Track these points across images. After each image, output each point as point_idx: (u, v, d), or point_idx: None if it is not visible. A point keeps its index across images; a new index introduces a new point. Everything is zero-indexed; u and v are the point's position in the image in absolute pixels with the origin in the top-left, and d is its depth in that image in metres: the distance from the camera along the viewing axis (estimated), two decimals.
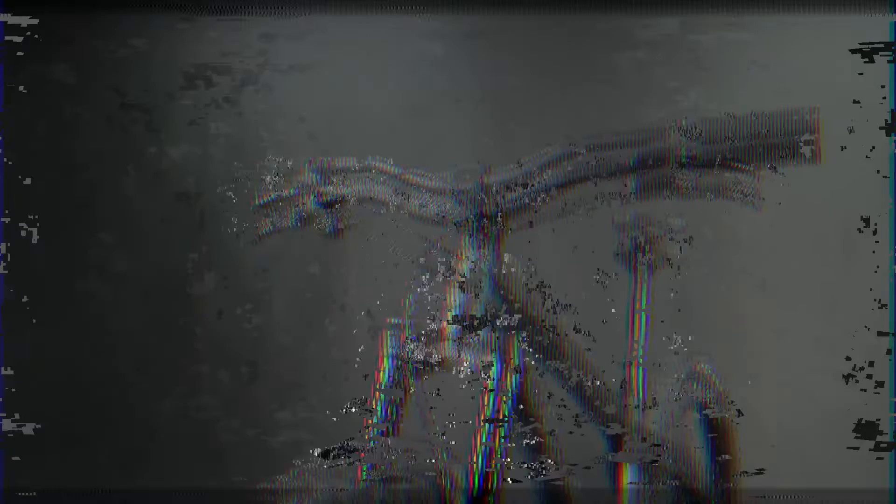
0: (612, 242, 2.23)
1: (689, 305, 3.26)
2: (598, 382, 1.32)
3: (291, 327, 3.38)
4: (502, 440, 1.08)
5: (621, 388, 1.77)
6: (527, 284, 1.20)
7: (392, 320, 1.02)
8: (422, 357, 1.05)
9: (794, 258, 3.42)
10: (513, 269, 1.17)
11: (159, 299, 3.49)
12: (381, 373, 1.05)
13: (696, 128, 0.91)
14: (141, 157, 3.55)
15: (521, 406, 1.08)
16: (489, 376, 1.02)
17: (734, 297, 3.40)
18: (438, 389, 0.98)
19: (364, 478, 0.88)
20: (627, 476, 1.54)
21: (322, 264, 3.36)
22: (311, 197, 1.23)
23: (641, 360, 1.75)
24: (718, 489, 2.02)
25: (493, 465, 0.96)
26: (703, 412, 2.02)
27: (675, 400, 1.86)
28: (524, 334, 1.16)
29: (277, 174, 1.38)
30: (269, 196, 1.30)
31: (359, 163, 1.27)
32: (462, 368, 1.04)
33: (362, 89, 3.48)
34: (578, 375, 1.29)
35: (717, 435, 2.12)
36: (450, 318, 1.07)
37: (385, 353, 1.04)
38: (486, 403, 1.01)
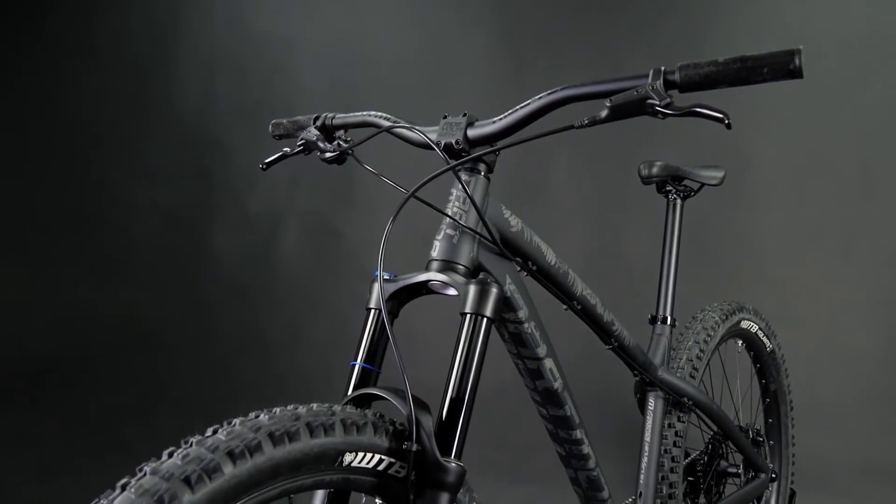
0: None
1: (713, 241, 3.27)
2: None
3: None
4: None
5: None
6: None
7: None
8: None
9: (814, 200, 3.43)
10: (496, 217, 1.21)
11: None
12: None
13: (673, 73, 0.93)
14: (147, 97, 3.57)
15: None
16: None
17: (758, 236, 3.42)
18: None
19: None
20: None
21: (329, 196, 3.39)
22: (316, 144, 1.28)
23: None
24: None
25: None
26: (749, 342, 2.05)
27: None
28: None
29: (285, 132, 1.43)
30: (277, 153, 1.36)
31: (357, 117, 1.32)
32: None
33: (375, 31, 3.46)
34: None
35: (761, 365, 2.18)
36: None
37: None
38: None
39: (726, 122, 0.90)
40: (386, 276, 1.15)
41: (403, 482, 1.00)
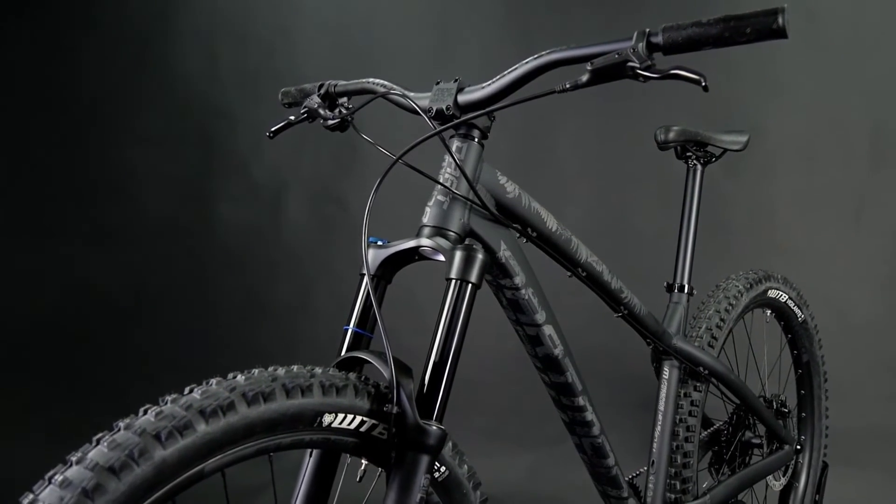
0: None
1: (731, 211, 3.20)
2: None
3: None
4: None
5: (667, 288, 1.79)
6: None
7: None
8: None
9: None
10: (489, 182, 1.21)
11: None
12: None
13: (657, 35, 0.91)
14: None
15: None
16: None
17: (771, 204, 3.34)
18: None
19: None
20: None
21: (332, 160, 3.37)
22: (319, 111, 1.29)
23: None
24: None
25: None
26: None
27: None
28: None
29: (292, 101, 1.45)
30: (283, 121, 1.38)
31: (357, 85, 1.33)
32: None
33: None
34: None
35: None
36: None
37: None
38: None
39: (703, 84, 0.88)
40: (379, 243, 1.16)
41: (386, 444, 1.02)
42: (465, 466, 1.16)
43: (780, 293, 2.06)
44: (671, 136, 1.74)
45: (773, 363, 2.21)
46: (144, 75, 3.73)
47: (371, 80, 1.30)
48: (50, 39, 3.72)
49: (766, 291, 2.00)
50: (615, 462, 1.49)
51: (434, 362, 1.04)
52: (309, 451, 1.07)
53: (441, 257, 1.11)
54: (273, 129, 1.38)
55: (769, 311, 2.12)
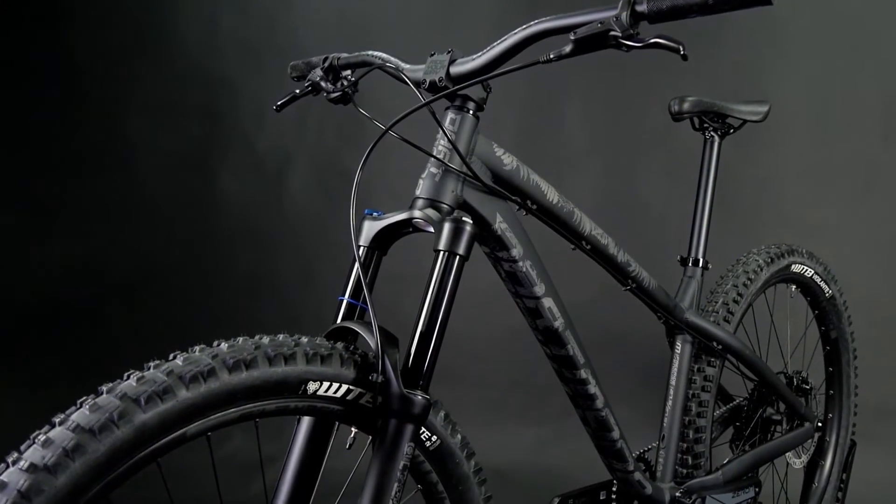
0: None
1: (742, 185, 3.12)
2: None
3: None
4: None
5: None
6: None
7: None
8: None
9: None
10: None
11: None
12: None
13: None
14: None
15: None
16: None
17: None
18: None
19: None
20: None
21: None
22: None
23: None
24: None
25: None
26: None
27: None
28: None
29: (300, 74, 1.46)
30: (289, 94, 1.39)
31: (358, 57, 1.34)
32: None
33: None
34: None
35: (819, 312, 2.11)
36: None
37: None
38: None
39: (682, 52, 0.87)
40: (374, 214, 1.18)
41: (374, 412, 1.04)
42: (459, 436, 1.17)
43: (805, 268, 2.02)
44: (686, 106, 1.70)
45: (799, 339, 2.17)
46: (144, 46, 3.65)
47: (371, 52, 1.30)
48: (47, 7, 3.65)
49: (789, 266, 1.96)
50: (620, 436, 1.49)
51: (420, 333, 1.05)
52: (298, 418, 1.09)
53: (431, 229, 1.11)
54: (279, 102, 1.40)
55: (794, 287, 2.07)
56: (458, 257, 1.07)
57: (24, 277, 3.58)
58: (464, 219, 1.08)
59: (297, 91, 1.39)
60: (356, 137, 3.16)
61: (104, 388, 0.85)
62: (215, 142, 3.63)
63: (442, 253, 1.07)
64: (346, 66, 1.34)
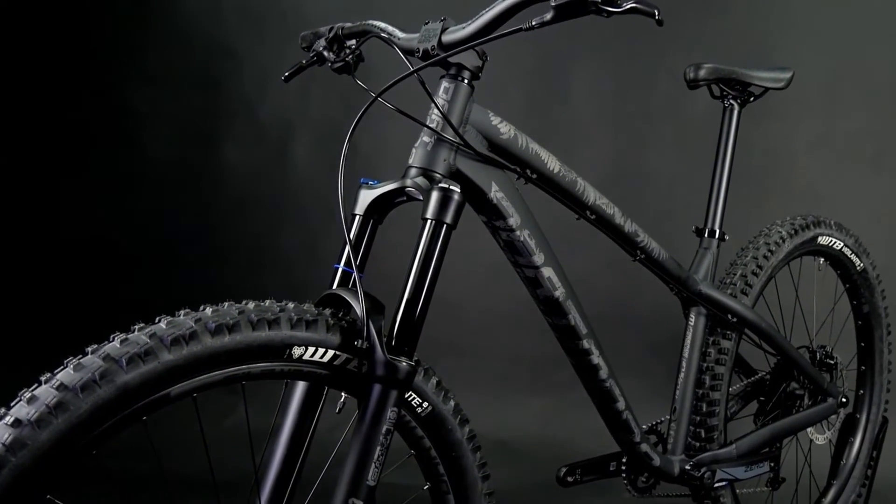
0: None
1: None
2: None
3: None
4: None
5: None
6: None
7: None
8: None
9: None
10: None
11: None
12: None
13: None
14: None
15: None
16: None
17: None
18: None
19: None
20: None
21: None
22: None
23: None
24: None
25: None
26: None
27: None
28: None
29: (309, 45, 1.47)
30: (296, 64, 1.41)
31: (359, 27, 1.34)
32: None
33: None
34: None
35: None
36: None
37: None
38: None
39: (657, 17, 0.85)
40: (370, 183, 1.19)
41: (360, 377, 1.06)
42: (451, 403, 1.19)
43: (834, 240, 1.96)
44: (702, 73, 1.65)
45: (828, 314, 2.12)
46: (146, 14, 3.59)
47: (373, 22, 1.31)
48: None
49: (815, 238, 1.90)
50: (626, 407, 1.48)
51: (407, 301, 1.06)
52: (289, 383, 1.11)
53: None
54: (287, 73, 1.42)
55: (822, 260, 2.02)
56: (445, 226, 1.08)
57: (24, 245, 3.55)
58: (451, 187, 1.08)
59: (304, 61, 1.40)
60: (360, 107, 3.08)
61: (89, 350, 0.88)
62: (218, 111, 3.57)
63: (429, 221, 1.08)
64: (349, 36, 1.35)
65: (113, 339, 0.90)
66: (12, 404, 0.84)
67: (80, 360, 0.87)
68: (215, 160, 3.56)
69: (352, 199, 1.20)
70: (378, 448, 1.01)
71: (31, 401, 0.83)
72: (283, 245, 3.49)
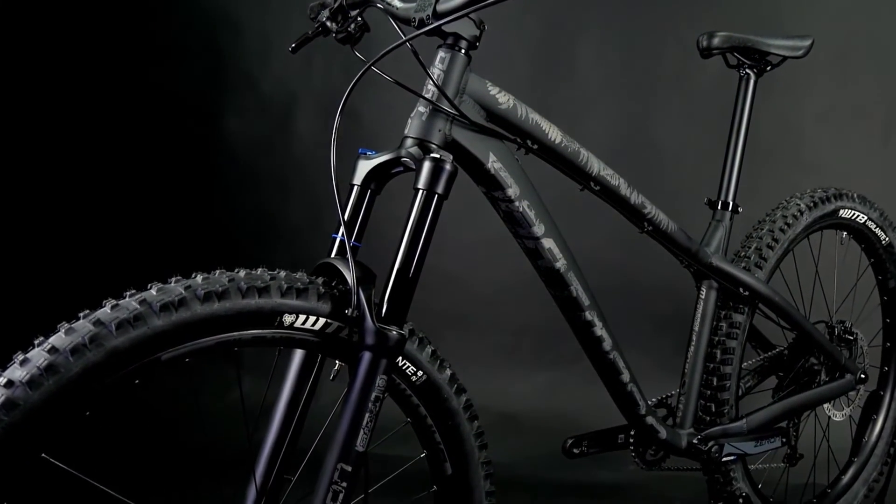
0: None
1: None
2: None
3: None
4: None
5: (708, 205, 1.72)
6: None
7: None
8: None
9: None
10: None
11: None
12: None
13: None
14: None
15: None
16: None
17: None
18: None
19: None
20: None
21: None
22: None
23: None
24: None
25: None
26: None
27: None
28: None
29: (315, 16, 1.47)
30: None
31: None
32: None
33: None
34: None
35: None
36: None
37: None
38: None
39: None
40: (368, 153, 1.20)
41: (351, 345, 1.07)
42: (447, 372, 1.20)
43: (857, 213, 1.91)
44: (716, 42, 1.61)
45: (851, 289, 2.07)
46: None
47: None
48: None
49: (836, 212, 1.86)
50: (630, 379, 1.48)
51: (398, 270, 1.07)
52: (277, 350, 1.13)
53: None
54: (293, 44, 1.42)
55: (844, 233, 1.97)
56: (436, 196, 1.08)
57: (24, 215, 3.49)
58: (443, 157, 1.08)
59: (309, 32, 1.40)
60: (364, 77, 3.01)
61: (81, 315, 0.91)
62: (218, 82, 3.53)
63: (421, 191, 1.08)
64: (353, 5, 1.35)
65: (105, 305, 0.92)
66: (7, 366, 0.87)
67: (72, 325, 0.89)
68: (218, 131, 3.52)
69: (350, 170, 1.21)
70: (367, 415, 1.02)
71: (23, 363, 0.86)
72: (287, 216, 3.46)
